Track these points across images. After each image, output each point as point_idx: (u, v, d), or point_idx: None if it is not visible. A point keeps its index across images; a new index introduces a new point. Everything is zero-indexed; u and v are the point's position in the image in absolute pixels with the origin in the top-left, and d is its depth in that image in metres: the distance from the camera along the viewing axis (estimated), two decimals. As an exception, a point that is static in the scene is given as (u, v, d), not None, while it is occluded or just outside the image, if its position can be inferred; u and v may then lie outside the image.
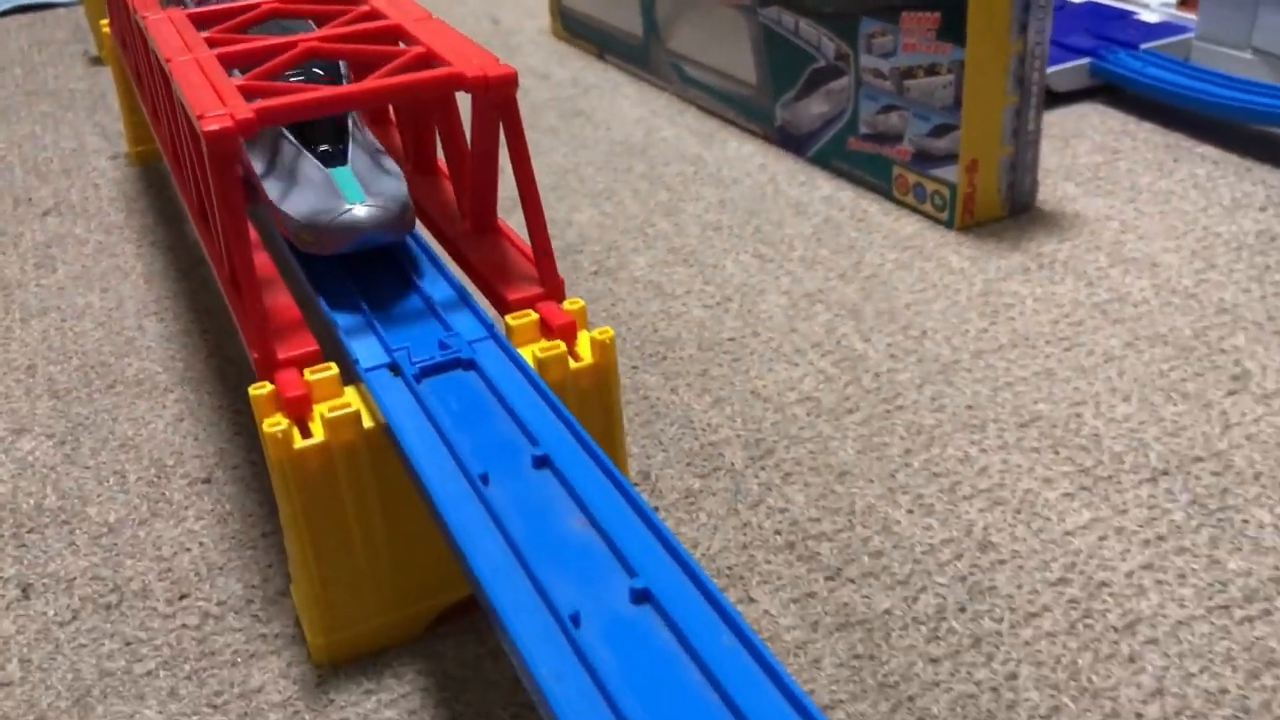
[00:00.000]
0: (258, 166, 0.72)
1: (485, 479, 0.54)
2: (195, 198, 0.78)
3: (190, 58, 0.70)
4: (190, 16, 0.80)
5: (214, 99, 0.64)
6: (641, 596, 0.47)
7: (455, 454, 0.56)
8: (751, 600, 0.69)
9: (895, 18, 1.06)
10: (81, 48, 1.81)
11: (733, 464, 0.80)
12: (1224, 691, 0.61)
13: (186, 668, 0.67)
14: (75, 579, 0.74)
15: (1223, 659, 0.63)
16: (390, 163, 0.72)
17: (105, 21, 1.32)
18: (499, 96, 0.66)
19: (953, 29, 1.01)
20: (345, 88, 0.65)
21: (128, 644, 0.69)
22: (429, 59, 0.70)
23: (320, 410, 0.61)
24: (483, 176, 0.71)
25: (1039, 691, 0.62)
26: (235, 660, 0.67)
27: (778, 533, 0.74)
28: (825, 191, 1.18)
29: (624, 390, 0.89)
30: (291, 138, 0.72)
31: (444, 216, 0.78)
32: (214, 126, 0.61)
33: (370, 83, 0.66)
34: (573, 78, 1.56)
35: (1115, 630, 0.65)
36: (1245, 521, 0.72)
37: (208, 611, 0.71)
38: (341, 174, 0.68)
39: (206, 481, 0.82)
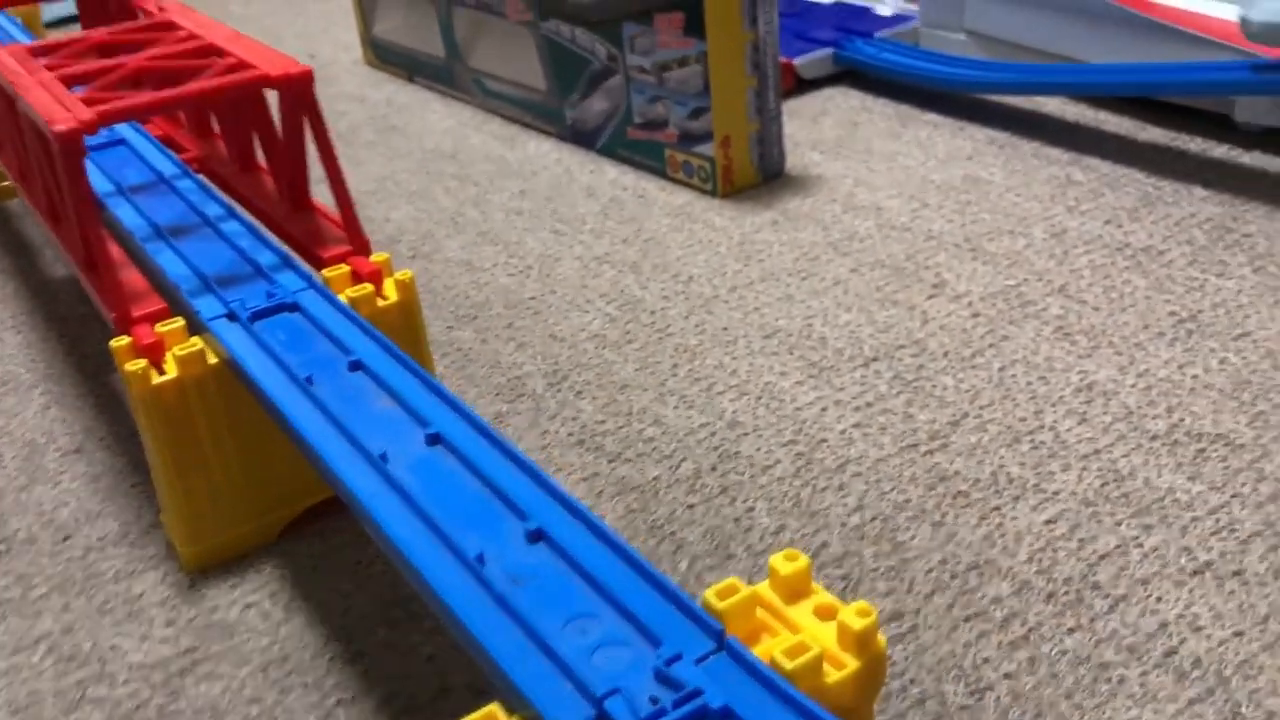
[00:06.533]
0: None
1: (310, 380, 0.69)
2: (46, 202, 0.90)
3: (34, 80, 0.83)
4: (28, 50, 0.92)
5: (60, 108, 0.77)
6: (434, 439, 0.62)
7: (286, 368, 0.71)
8: (548, 484, 0.85)
9: (649, 20, 1.24)
10: (-95, 107, 1.87)
11: (534, 390, 0.96)
12: (908, 501, 0.80)
13: (75, 589, 0.79)
14: (-34, 537, 0.85)
15: (908, 480, 0.82)
16: None
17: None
18: (300, 90, 0.81)
19: (695, 25, 1.20)
20: (173, 90, 0.79)
21: (20, 578, 0.81)
22: (240, 66, 0.84)
23: (172, 352, 0.75)
24: (294, 161, 0.86)
25: (770, 517, 0.79)
26: (118, 578, 0.80)
27: (570, 435, 0.90)
28: (612, 176, 1.36)
29: (440, 346, 1.04)
30: None
31: (265, 201, 0.92)
32: (62, 128, 0.74)
33: (195, 85, 0.80)
34: (386, 99, 1.71)
35: (830, 471, 0.83)
36: (934, 386, 0.91)
37: (89, 546, 0.83)
38: None
39: (77, 452, 0.94)
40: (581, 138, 1.44)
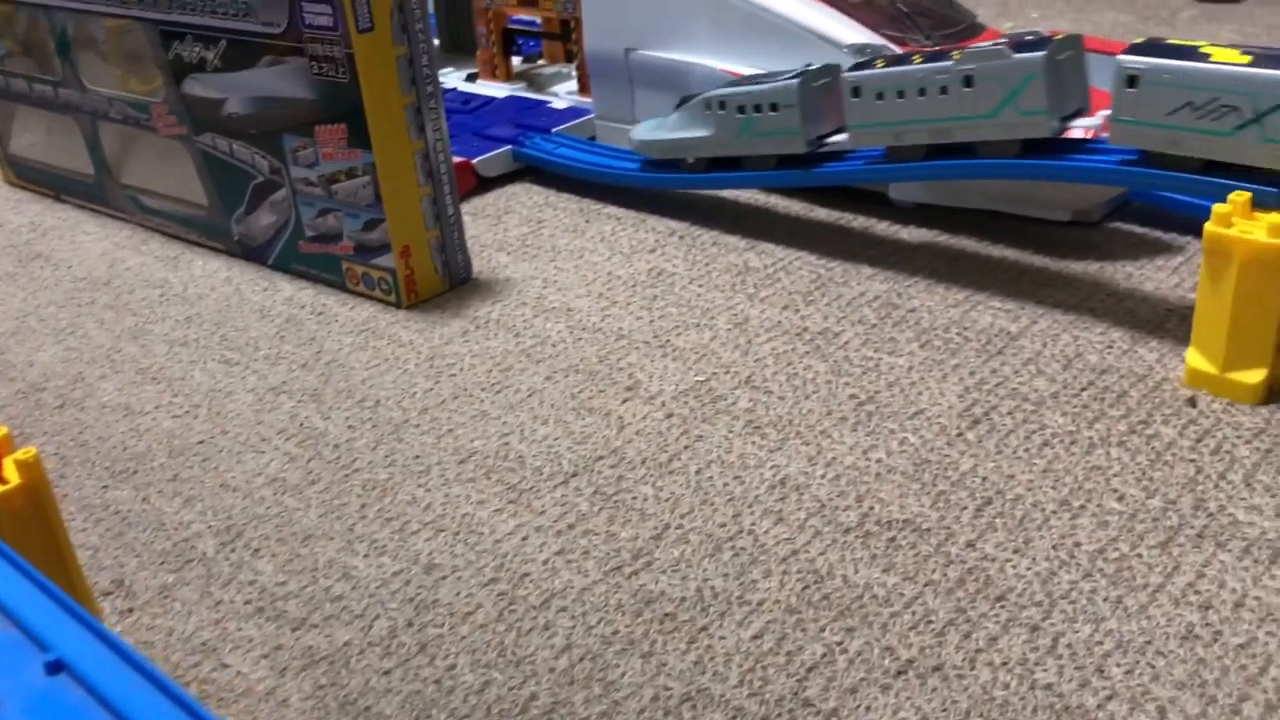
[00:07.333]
0: None
1: (-99, 606, 0.58)
2: None
3: None
4: None
5: None
6: (56, 668, 0.53)
7: None
8: (225, 666, 0.76)
9: (311, 132, 1.18)
10: None
11: (205, 553, 0.87)
12: (615, 633, 0.76)
13: None
14: None
15: (615, 608, 0.78)
16: None
17: None
18: (-123, 254, 0.69)
19: (359, 136, 1.14)
20: None
21: None
22: None
23: None
24: (-118, 331, 0.74)
25: (474, 673, 0.74)
26: None
27: (248, 602, 0.81)
28: (287, 293, 1.28)
29: (94, 510, 0.93)
30: None
31: None
32: None
33: None
34: (30, 222, 1.55)
35: (535, 608, 0.79)
36: (634, 498, 0.89)
37: None
38: None
39: None
40: (252, 253, 1.35)
